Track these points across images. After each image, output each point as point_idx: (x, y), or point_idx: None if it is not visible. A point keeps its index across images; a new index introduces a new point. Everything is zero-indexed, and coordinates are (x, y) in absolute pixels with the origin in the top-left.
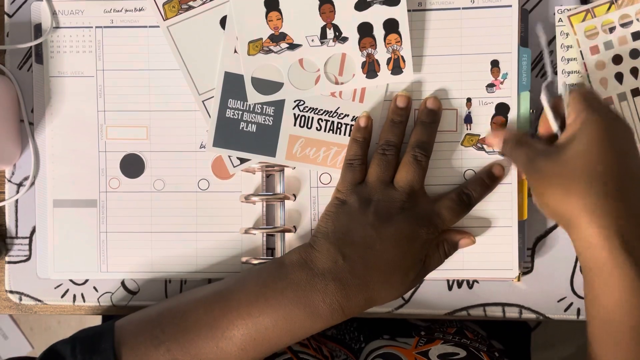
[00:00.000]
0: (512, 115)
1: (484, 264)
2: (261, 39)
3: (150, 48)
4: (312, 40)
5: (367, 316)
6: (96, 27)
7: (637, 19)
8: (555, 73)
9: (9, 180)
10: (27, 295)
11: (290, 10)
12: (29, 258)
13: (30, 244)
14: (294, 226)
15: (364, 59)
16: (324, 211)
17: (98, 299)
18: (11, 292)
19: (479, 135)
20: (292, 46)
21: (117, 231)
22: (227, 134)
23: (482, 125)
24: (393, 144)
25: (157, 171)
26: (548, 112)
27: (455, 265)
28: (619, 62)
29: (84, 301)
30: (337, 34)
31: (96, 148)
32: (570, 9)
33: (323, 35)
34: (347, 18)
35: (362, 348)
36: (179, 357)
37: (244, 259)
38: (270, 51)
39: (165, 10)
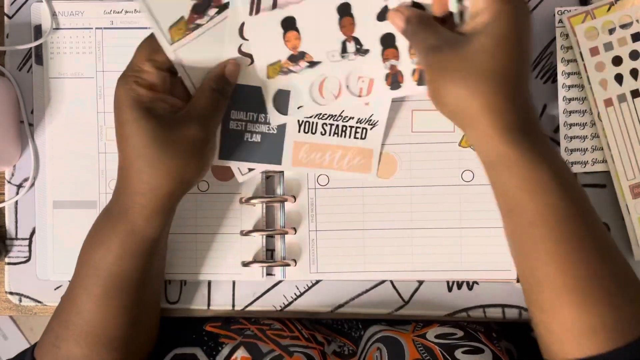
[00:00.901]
0: None
1: (483, 265)
2: (279, 60)
3: None
4: (333, 56)
5: (366, 317)
6: (96, 28)
7: (637, 21)
8: None
9: (9, 182)
10: (27, 297)
11: (308, 28)
12: (28, 259)
13: (30, 245)
14: (294, 228)
15: (387, 71)
16: None
17: None
18: (11, 293)
19: None
20: (312, 64)
21: None
22: (233, 145)
23: None
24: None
25: None
26: None
27: (455, 267)
28: (619, 63)
29: None
30: (358, 47)
31: (96, 149)
32: (570, 10)
33: (344, 50)
34: (369, 30)
35: (362, 335)
36: (62, 335)
37: (243, 264)
38: (289, 71)
39: (171, 34)
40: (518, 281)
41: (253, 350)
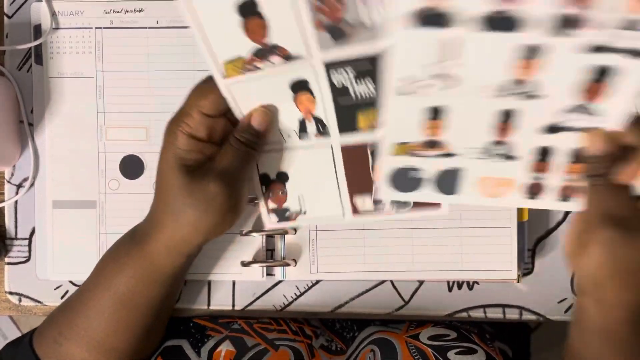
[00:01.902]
0: None
1: (483, 265)
2: (408, 142)
3: (150, 49)
4: (474, 151)
5: (366, 317)
6: (96, 28)
7: None
8: None
9: (9, 182)
10: (27, 297)
11: (455, 120)
12: (28, 259)
13: (29, 245)
14: (294, 228)
15: (531, 182)
16: None
17: None
18: (11, 293)
19: None
20: (448, 154)
21: (117, 232)
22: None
23: None
24: None
25: None
26: None
27: (455, 267)
28: None
29: None
30: (503, 151)
31: (96, 149)
32: None
33: (487, 149)
34: (527, 138)
35: (355, 337)
36: (66, 333)
37: (243, 264)
38: (413, 154)
39: (226, 69)
40: (518, 281)
41: (238, 343)
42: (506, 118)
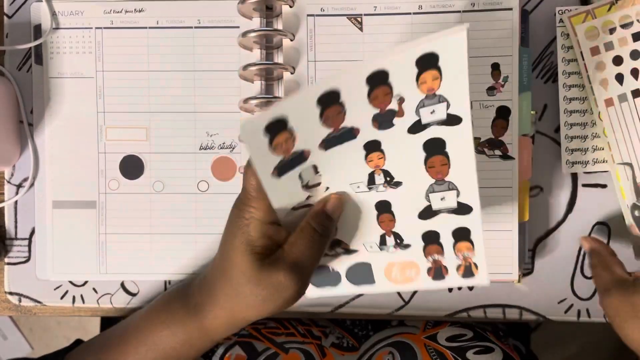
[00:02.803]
0: (513, 117)
1: None
2: None
3: (150, 49)
4: (371, 247)
5: (368, 318)
6: (96, 28)
7: (638, 20)
8: None
9: (9, 182)
10: (27, 297)
11: (346, 221)
12: (28, 259)
13: (29, 245)
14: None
15: (430, 265)
16: None
17: (97, 300)
18: (10, 293)
19: (480, 138)
20: (349, 251)
21: (117, 232)
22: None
23: (482, 128)
24: None
25: (157, 172)
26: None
27: None
28: (620, 63)
29: (84, 302)
30: (398, 241)
31: (96, 149)
32: (571, 10)
33: (382, 242)
34: (410, 226)
35: (370, 335)
36: None
37: None
38: (326, 255)
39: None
40: (519, 281)
41: (248, 348)
42: (384, 209)
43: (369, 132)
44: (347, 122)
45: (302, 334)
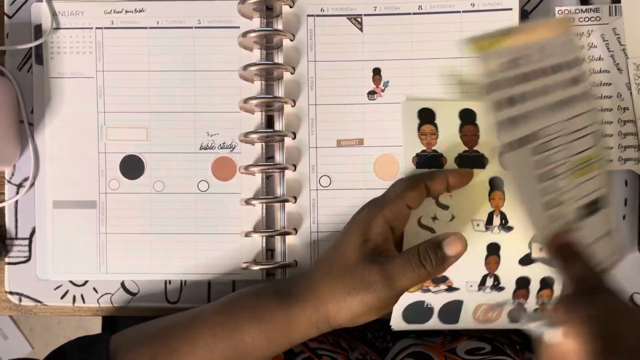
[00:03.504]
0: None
1: None
2: None
3: (150, 49)
4: (471, 286)
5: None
6: (96, 28)
7: None
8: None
9: (9, 181)
10: (27, 297)
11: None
12: (28, 259)
13: (30, 245)
14: (294, 228)
15: (512, 307)
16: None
17: (98, 300)
18: (11, 293)
19: None
20: (451, 289)
21: (117, 232)
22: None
23: None
24: None
25: (157, 172)
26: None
27: None
28: None
29: (84, 302)
30: (495, 283)
31: (96, 149)
32: (570, 9)
33: (482, 283)
34: (510, 271)
35: (389, 347)
36: (162, 358)
37: (243, 265)
38: (428, 290)
39: None
40: None
41: (286, 351)
42: (493, 251)
43: (495, 167)
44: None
45: (332, 342)
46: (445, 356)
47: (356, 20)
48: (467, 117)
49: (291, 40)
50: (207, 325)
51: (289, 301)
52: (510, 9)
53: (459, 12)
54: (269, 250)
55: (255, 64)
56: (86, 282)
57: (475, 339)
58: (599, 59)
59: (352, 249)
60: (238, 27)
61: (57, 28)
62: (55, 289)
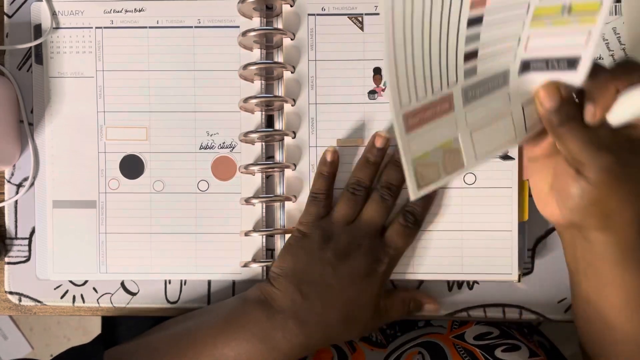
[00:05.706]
0: None
1: (483, 267)
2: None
3: (150, 49)
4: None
5: None
6: (96, 27)
7: None
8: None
9: (9, 181)
10: (27, 296)
11: None
12: (28, 259)
13: (29, 245)
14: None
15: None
16: (285, 244)
17: (98, 300)
18: (10, 293)
19: None
20: None
21: (117, 232)
22: None
23: None
24: (364, 185)
25: (157, 172)
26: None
27: (455, 267)
28: None
29: (84, 302)
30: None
31: (96, 149)
32: None
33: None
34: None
35: (397, 335)
36: None
37: (242, 263)
38: None
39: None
40: (519, 280)
41: None
42: None
43: None
44: None
45: None
46: (453, 343)
47: (357, 19)
48: None
49: (291, 40)
50: (191, 345)
51: (276, 324)
52: None
53: None
54: (269, 250)
55: (255, 63)
56: (86, 282)
57: (482, 324)
58: (599, 59)
59: (371, 308)
60: (238, 27)
61: (57, 28)
62: (55, 289)
